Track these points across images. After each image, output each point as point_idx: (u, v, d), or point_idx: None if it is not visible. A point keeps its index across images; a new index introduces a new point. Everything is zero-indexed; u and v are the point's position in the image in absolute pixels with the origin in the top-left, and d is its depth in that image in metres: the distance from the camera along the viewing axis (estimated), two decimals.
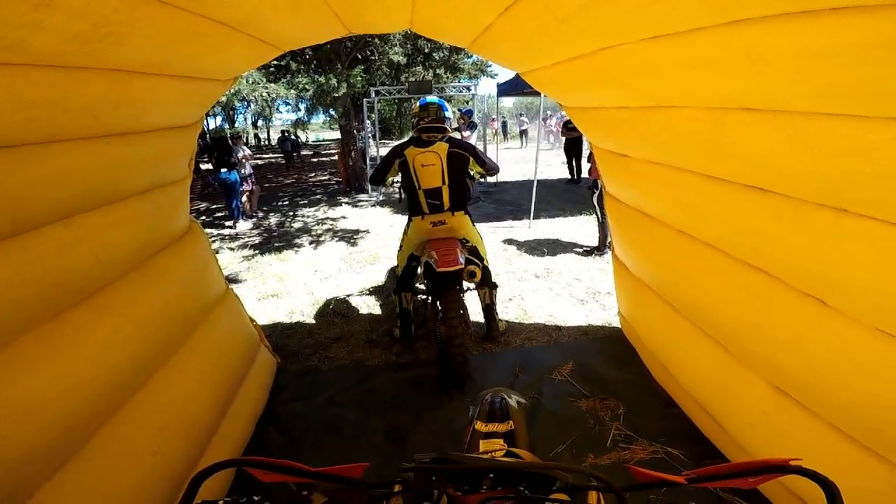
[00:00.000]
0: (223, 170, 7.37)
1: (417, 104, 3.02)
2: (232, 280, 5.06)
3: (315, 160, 20.73)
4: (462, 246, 2.90)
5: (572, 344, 3.22)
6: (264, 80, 7.40)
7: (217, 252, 6.33)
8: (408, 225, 3.17)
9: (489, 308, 3.27)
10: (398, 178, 3.09)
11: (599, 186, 4.70)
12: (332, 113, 10.47)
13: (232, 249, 6.40)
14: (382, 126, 25.06)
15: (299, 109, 10.71)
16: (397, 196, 3.32)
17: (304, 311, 4.09)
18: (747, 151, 1.45)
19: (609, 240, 5.01)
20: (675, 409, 2.42)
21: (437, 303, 2.85)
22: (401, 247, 3.24)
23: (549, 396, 2.61)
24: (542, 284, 4.40)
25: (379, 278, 4.87)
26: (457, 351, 2.62)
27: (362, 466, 0.63)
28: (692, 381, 2.26)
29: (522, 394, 2.57)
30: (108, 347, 1.54)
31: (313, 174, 15.46)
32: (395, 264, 3.36)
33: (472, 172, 3.11)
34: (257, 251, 6.18)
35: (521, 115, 22.75)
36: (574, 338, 3.31)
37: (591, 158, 4.81)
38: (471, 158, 3.00)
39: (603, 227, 5.00)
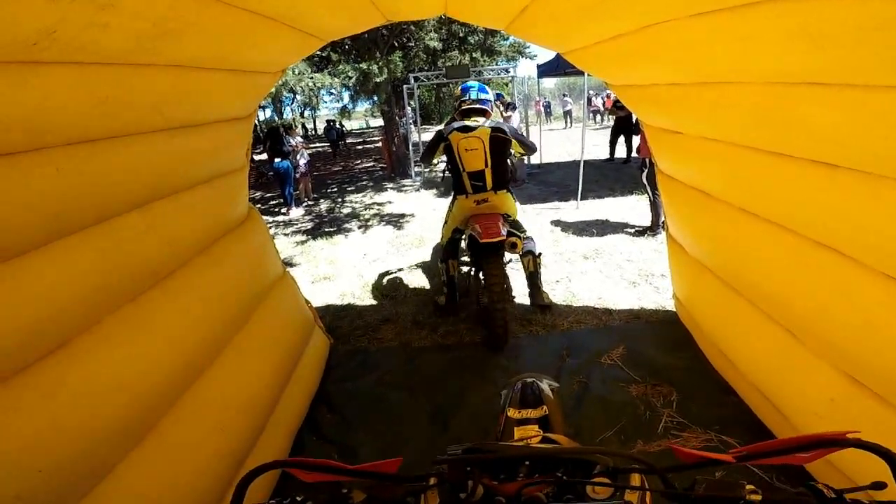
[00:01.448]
0: (277, 159, 7.71)
1: (459, 88, 3.18)
2: (287, 263, 5.28)
3: (360, 147, 21.12)
4: (504, 220, 3.01)
5: (623, 327, 3.13)
6: (309, 70, 7.55)
7: (273, 237, 6.63)
8: (452, 202, 3.32)
9: (533, 276, 3.31)
10: (444, 157, 3.23)
11: (649, 165, 4.53)
12: (375, 100, 10.58)
13: (286, 235, 6.68)
14: (422, 112, 25.26)
15: (342, 98, 10.82)
16: (440, 177, 3.51)
17: (354, 293, 4.22)
18: (814, 126, 1.34)
19: (662, 219, 4.80)
20: (732, 396, 2.30)
21: (480, 273, 3.02)
22: (446, 221, 3.42)
23: (597, 381, 2.56)
24: (591, 266, 4.29)
25: (425, 260, 4.93)
26: (499, 315, 2.82)
27: (397, 462, 0.63)
28: (752, 367, 2.14)
29: (569, 378, 2.59)
30: (180, 327, 1.64)
31: (359, 161, 15.77)
32: (439, 241, 3.57)
33: (513, 153, 3.22)
34: (310, 236, 6.42)
35: (564, 95, 22.04)
36: (625, 321, 3.21)
37: (641, 136, 4.61)
38: (513, 140, 3.07)
39: (655, 206, 4.79)
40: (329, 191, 10.17)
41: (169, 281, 1.68)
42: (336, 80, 7.86)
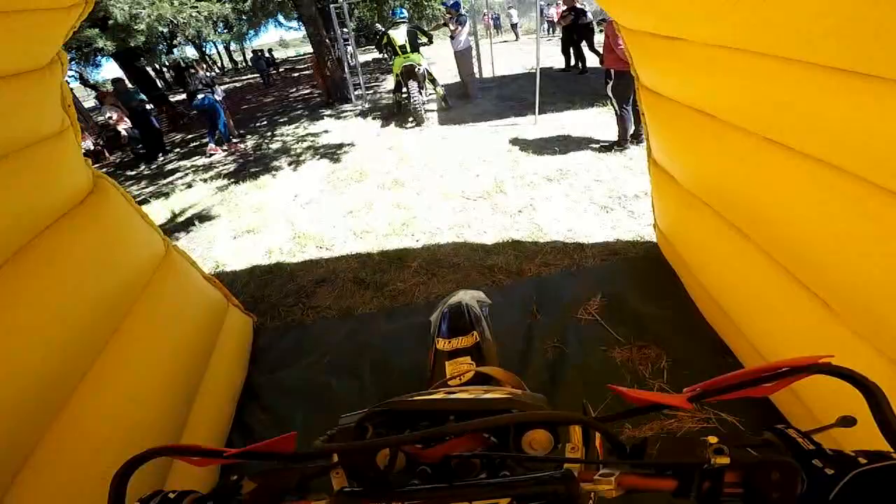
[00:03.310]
0: (200, 96, 6.94)
1: (391, 13, 7.78)
2: (204, 217, 4.50)
3: (295, 75, 19.39)
4: (417, 66, 6.36)
5: (599, 268, 2.68)
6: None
7: (190, 185, 5.71)
8: (393, 62, 6.76)
9: (441, 96, 7.14)
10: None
11: (614, 76, 4.04)
12: (296, 24, 9.03)
13: (205, 181, 5.74)
14: (364, 33, 23.19)
15: (241, 24, 8.79)
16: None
17: (283, 248, 3.56)
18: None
19: (631, 132, 4.28)
20: (729, 358, 1.90)
21: (409, 96, 6.44)
22: (393, 72, 6.89)
23: (574, 344, 2.11)
24: (556, 190, 3.76)
25: (366, 197, 4.24)
26: (417, 108, 6.41)
27: (292, 437, 0.50)
28: (755, 326, 1.71)
29: (541, 341, 2.19)
30: (16, 351, 1.25)
31: (294, 89, 14.19)
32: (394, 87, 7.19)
33: (421, 39, 6.73)
34: (232, 180, 5.52)
35: (510, 7, 21.32)
36: (601, 259, 2.76)
37: (605, 45, 4.06)
38: (418, 32, 6.74)
39: (622, 120, 4.21)
40: (258, 125, 8.94)
41: None
42: (227, 5, 6.40)
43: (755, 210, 1.58)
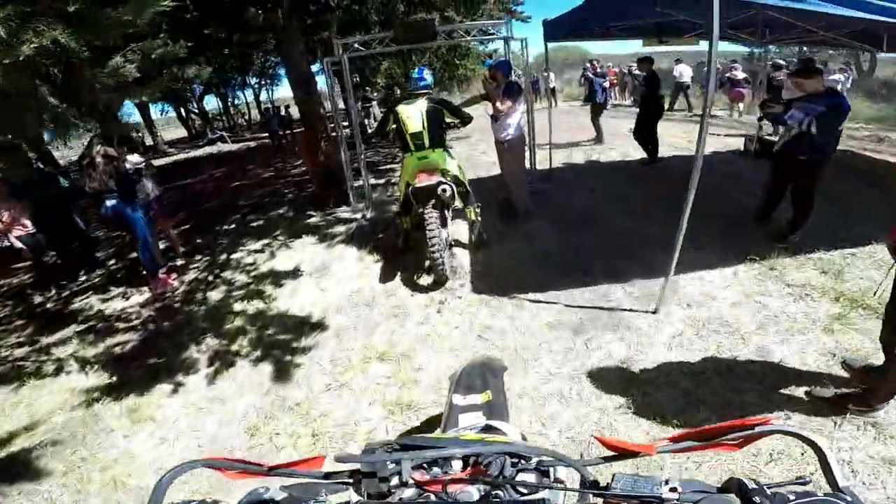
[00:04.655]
0: (108, 202, 4.72)
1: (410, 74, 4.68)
2: (25, 473, 2.39)
3: None
4: (441, 175, 4.00)
5: None
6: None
7: (60, 368, 3.63)
8: (402, 162, 4.48)
9: (474, 223, 4.58)
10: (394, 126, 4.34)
11: None
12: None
13: (84, 365, 3.57)
14: (391, 93, 20.09)
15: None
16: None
17: None
18: None
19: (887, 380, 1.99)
20: None
21: (427, 226, 3.90)
22: (400, 178, 4.57)
23: None
24: None
25: None
26: (437, 259, 3.87)
27: (321, 458, 0.70)
28: None
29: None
30: None
31: (300, 161, 12.71)
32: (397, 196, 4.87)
33: (448, 121, 4.36)
34: (113, 379, 3.37)
35: (546, 70, 19.04)
36: None
37: None
38: (444, 110, 4.26)
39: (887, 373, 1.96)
40: (225, 228, 7.02)
41: None
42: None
43: None
